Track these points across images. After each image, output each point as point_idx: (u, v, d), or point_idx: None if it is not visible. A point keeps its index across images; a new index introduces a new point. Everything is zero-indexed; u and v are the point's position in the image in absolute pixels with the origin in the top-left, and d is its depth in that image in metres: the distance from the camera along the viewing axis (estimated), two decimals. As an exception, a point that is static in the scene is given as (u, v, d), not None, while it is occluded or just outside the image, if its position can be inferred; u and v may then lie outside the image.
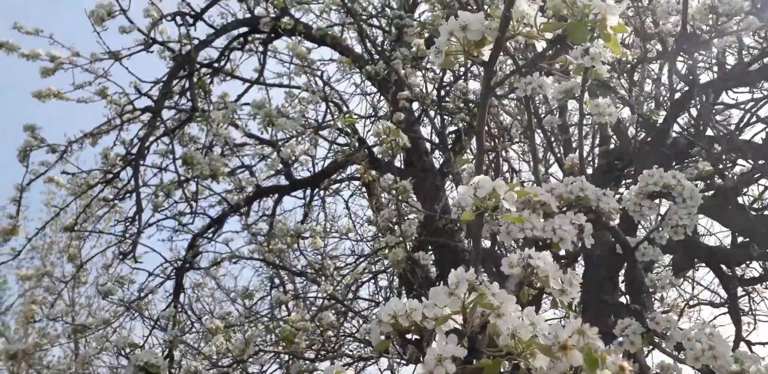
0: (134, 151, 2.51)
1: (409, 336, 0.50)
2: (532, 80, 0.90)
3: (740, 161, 2.21)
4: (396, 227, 1.67)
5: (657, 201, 1.21)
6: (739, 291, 2.67)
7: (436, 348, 0.43)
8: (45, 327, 4.70)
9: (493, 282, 0.55)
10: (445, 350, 0.43)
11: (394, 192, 1.46)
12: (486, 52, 0.66)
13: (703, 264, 2.46)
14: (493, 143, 2.71)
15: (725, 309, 2.64)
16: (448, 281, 0.48)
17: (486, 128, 2.68)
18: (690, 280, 3.30)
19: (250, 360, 2.27)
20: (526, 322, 0.52)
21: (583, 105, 1.06)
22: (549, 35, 0.66)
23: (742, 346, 2.26)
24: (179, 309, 2.74)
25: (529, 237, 0.78)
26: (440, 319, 0.47)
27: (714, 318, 2.93)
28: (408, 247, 1.73)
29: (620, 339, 1.14)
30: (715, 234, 3.24)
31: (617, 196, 1.09)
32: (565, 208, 0.95)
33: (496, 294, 0.53)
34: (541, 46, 0.70)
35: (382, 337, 0.49)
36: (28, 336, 4.86)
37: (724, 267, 2.26)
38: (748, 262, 2.48)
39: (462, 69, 3.19)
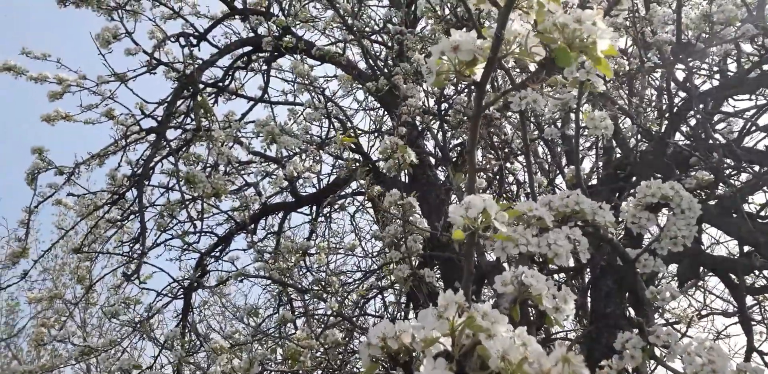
0: (139, 172, 2.54)
1: (399, 358, 0.50)
2: (526, 95, 0.91)
3: (742, 171, 2.21)
4: (401, 243, 1.67)
5: (659, 212, 1.20)
6: (751, 300, 2.64)
7: (424, 372, 0.43)
8: (56, 349, 4.71)
9: (485, 302, 0.55)
10: (432, 374, 0.43)
11: (399, 208, 1.47)
12: (478, 72, 0.67)
13: (710, 274, 2.44)
14: (496, 155, 2.71)
15: (736, 320, 2.61)
16: (438, 303, 0.48)
17: (489, 140, 2.69)
18: (702, 289, 3.27)
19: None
20: (518, 343, 0.52)
21: (579, 118, 1.07)
22: (539, 57, 0.67)
23: (755, 357, 2.24)
24: (188, 329, 2.74)
25: (524, 253, 0.78)
26: (427, 342, 0.47)
27: (726, 328, 2.90)
28: (413, 264, 1.73)
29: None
30: (724, 243, 3.21)
31: (614, 210, 1.09)
32: (561, 222, 0.95)
33: (487, 315, 0.54)
34: (533, 66, 0.71)
35: (371, 360, 0.49)
36: (40, 358, 4.87)
37: (732, 276, 2.24)
38: (756, 272, 2.46)
39: (463, 84, 3.21)
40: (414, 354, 0.51)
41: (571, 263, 2.28)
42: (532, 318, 0.90)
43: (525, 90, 0.92)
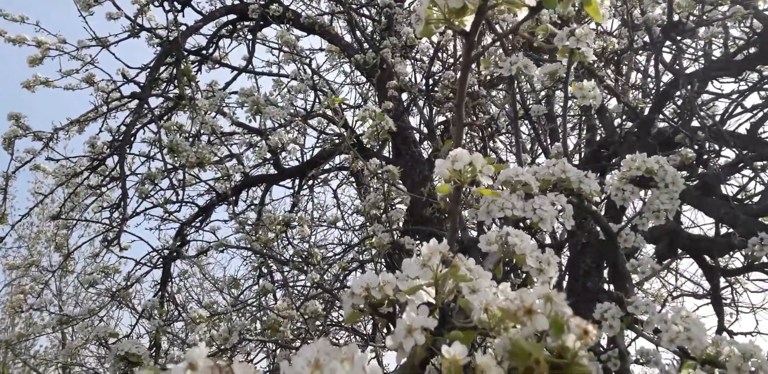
0: (121, 138, 2.49)
1: (382, 309, 0.50)
2: (516, 60, 0.90)
3: (723, 153, 2.23)
4: (382, 213, 1.67)
5: (646, 189, 1.21)
6: (722, 282, 2.70)
7: (406, 319, 0.43)
8: (32, 317, 4.68)
9: (469, 258, 0.55)
10: (415, 321, 0.43)
11: (381, 176, 1.46)
12: (467, 22, 0.66)
13: (687, 256, 2.48)
14: (480, 133, 2.71)
15: (708, 301, 2.67)
16: (422, 252, 0.48)
17: (473, 118, 2.68)
18: (673, 272, 3.34)
19: (236, 349, 2.27)
20: (501, 298, 0.52)
21: (568, 88, 1.06)
22: (532, 1, 0.65)
23: (725, 337, 2.29)
24: (166, 299, 2.73)
25: (509, 217, 0.78)
26: (411, 289, 0.47)
27: (696, 309, 2.96)
28: (394, 234, 1.73)
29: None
30: (700, 226, 3.27)
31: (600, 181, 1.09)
32: (546, 190, 0.95)
33: (472, 270, 0.53)
34: (522, 14, 0.69)
35: (354, 310, 0.49)
36: (15, 326, 4.84)
37: (707, 258, 2.28)
38: (731, 253, 2.50)
39: (451, 59, 3.19)
40: (397, 305, 0.50)
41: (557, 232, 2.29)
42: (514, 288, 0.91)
43: (515, 54, 0.91)
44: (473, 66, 2.80)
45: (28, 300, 2.98)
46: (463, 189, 0.57)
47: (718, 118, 2.19)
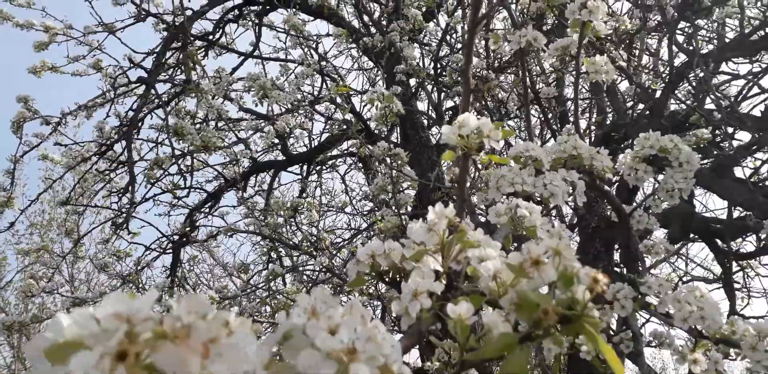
0: (128, 123, 2.49)
1: (388, 276, 0.49)
2: (526, 33, 0.88)
3: (737, 134, 2.20)
4: (391, 198, 1.66)
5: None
6: (734, 266, 2.67)
7: (412, 283, 0.41)
8: (44, 303, 4.73)
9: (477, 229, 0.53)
10: (421, 285, 0.41)
11: (388, 159, 1.44)
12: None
13: (698, 240, 2.45)
14: (489, 116, 2.68)
15: (718, 286, 2.64)
16: (428, 217, 0.46)
17: (483, 102, 2.65)
18: (683, 257, 3.32)
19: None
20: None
21: (579, 62, 1.04)
22: None
23: (736, 321, 2.27)
24: (176, 284, 2.74)
25: (519, 193, 0.77)
26: (417, 253, 0.45)
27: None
28: (403, 219, 1.71)
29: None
30: (713, 210, 3.24)
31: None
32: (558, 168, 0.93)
33: (480, 240, 0.52)
34: None
35: (359, 275, 0.48)
36: (28, 311, 4.89)
37: (719, 241, 2.25)
38: (743, 236, 2.48)
39: (459, 45, 3.15)
40: (404, 273, 0.49)
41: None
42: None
43: (524, 27, 0.89)
44: (482, 49, 2.77)
45: (40, 284, 3.00)
46: (471, 157, 0.55)
47: (732, 100, 2.15)
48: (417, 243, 0.46)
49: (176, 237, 2.86)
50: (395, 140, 3.10)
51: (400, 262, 0.47)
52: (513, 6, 2.23)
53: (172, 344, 0.16)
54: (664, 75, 2.22)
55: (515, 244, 0.67)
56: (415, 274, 0.43)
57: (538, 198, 0.79)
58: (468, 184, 0.66)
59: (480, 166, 1.37)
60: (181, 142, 2.15)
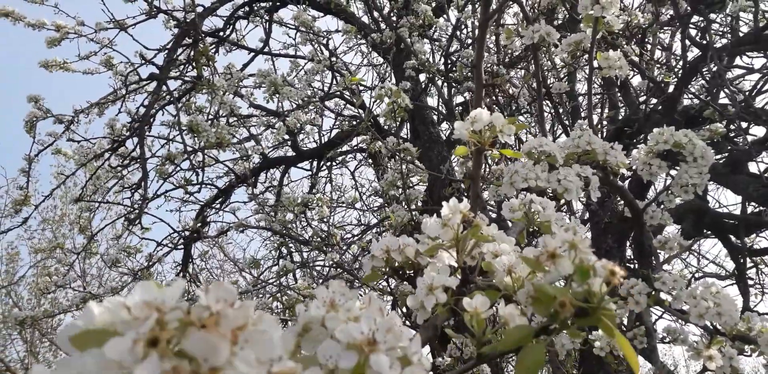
0: (140, 119, 2.50)
1: (403, 272, 0.49)
2: (539, 28, 0.87)
3: (752, 130, 2.17)
4: (401, 194, 1.65)
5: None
6: (748, 263, 2.65)
7: (427, 277, 0.41)
8: (57, 298, 4.77)
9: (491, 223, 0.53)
10: (436, 279, 0.41)
11: (398, 154, 1.44)
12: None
13: (712, 236, 2.44)
14: (501, 112, 2.67)
15: (731, 282, 2.63)
16: (442, 212, 0.46)
17: (494, 97, 2.64)
18: (696, 253, 3.30)
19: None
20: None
21: (593, 58, 1.03)
22: None
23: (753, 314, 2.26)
24: (188, 279, 2.76)
25: (533, 188, 0.76)
26: (431, 248, 0.45)
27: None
28: (413, 214, 1.71)
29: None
30: (726, 206, 3.22)
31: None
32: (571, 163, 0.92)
33: (495, 236, 0.52)
34: None
35: (373, 270, 0.48)
36: (40, 306, 4.94)
37: (732, 237, 2.24)
38: (758, 232, 2.46)
39: (469, 40, 3.14)
40: (418, 268, 0.49)
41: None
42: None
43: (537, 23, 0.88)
44: (493, 45, 2.76)
45: (53, 279, 3.03)
46: (484, 152, 0.55)
47: (746, 94, 2.13)
48: (432, 239, 0.46)
49: (187, 233, 2.88)
50: (405, 136, 3.10)
51: (414, 257, 0.47)
52: (524, 0, 2.22)
53: (203, 331, 0.16)
54: (677, 69, 2.20)
55: (527, 240, 0.66)
56: (430, 269, 0.43)
57: (552, 194, 0.78)
58: (480, 180, 0.66)
59: (491, 162, 1.36)
60: (195, 138, 2.16)
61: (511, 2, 1.58)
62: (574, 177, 0.80)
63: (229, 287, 0.18)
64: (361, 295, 0.30)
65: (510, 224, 0.80)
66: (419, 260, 0.48)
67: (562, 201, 0.88)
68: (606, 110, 2.60)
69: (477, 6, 2.68)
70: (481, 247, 0.47)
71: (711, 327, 0.97)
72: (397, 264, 0.48)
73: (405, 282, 0.48)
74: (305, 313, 0.26)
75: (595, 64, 1.06)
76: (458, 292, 0.43)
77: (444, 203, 0.46)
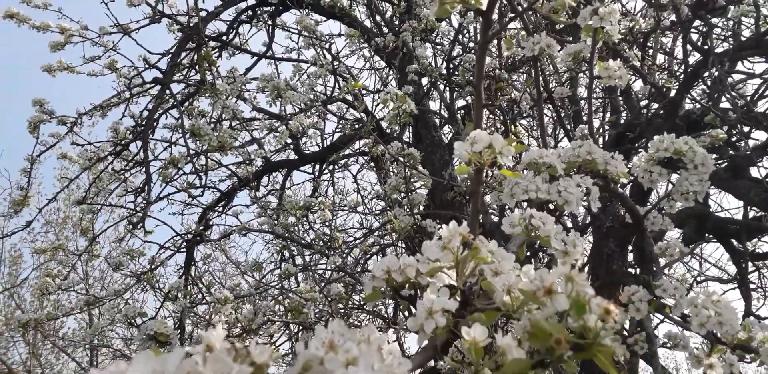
0: (143, 123, 2.51)
1: (404, 293, 0.49)
2: (539, 40, 0.88)
3: (753, 135, 2.17)
4: (404, 197, 1.66)
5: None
6: (750, 267, 2.65)
7: (427, 301, 0.42)
8: (59, 300, 4.78)
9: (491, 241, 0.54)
10: (436, 303, 0.42)
11: (402, 159, 1.44)
12: (483, 0, 0.64)
13: (713, 240, 2.44)
14: (502, 118, 2.67)
15: (733, 286, 2.63)
16: (442, 234, 0.47)
17: (496, 102, 2.65)
18: (697, 257, 3.30)
19: (260, 330, 2.29)
20: (524, 279, 0.51)
21: (593, 67, 1.04)
22: None
23: (754, 321, 2.26)
24: (190, 282, 2.77)
25: (533, 200, 0.77)
26: (431, 270, 0.46)
27: (722, 294, 2.92)
28: (416, 218, 1.72)
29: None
30: (728, 210, 3.21)
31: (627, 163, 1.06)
32: (572, 173, 0.93)
33: (494, 252, 0.52)
34: None
35: (375, 291, 0.48)
36: (43, 308, 4.96)
37: (734, 242, 2.24)
38: (759, 236, 2.46)
39: (471, 43, 3.14)
40: (419, 288, 0.49)
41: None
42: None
43: (538, 34, 0.89)
44: (495, 49, 2.76)
45: (56, 281, 3.04)
46: (484, 171, 0.56)
47: (748, 99, 2.13)
48: (431, 260, 0.47)
49: (190, 236, 2.89)
50: (407, 140, 3.10)
51: (415, 277, 0.48)
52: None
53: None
54: (678, 74, 2.20)
55: (529, 253, 0.67)
56: (430, 291, 0.43)
57: (553, 205, 0.79)
58: (480, 193, 0.67)
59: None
60: (197, 142, 2.17)
61: (512, 22, 1.58)
62: (574, 188, 0.80)
63: (226, 359, 0.18)
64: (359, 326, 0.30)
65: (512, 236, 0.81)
66: (419, 280, 0.48)
67: (565, 211, 0.89)
68: (608, 114, 2.60)
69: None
70: (481, 267, 0.47)
71: (712, 335, 0.97)
72: (397, 283, 0.48)
73: (407, 304, 0.48)
74: (305, 352, 0.27)
75: (595, 72, 1.07)
76: (458, 314, 0.44)
77: (444, 226, 0.47)
